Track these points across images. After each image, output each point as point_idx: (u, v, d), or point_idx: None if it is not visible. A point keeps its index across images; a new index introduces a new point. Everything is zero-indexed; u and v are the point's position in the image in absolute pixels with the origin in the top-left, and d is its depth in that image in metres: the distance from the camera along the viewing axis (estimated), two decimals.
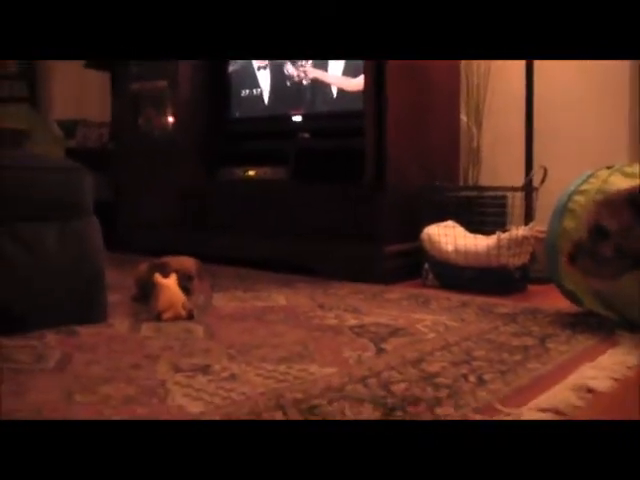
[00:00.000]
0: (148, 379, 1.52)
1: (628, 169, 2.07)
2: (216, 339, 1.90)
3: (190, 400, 1.38)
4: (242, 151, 3.52)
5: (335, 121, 3.15)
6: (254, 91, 3.47)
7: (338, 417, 1.30)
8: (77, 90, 5.01)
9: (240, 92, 3.53)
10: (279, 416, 1.30)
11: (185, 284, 2.30)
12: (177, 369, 1.60)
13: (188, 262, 2.46)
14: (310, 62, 3.22)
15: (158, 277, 2.18)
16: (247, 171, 3.40)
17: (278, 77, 3.37)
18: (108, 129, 4.44)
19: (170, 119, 3.64)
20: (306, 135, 3.24)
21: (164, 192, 3.66)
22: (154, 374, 1.56)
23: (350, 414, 1.31)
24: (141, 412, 1.32)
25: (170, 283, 2.17)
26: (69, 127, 4.57)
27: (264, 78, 3.42)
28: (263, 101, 3.44)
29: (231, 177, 3.47)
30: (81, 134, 4.59)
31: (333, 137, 3.12)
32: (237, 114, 3.57)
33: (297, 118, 3.29)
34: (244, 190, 3.39)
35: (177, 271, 2.26)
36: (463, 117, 3.37)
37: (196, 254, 2.58)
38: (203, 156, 3.58)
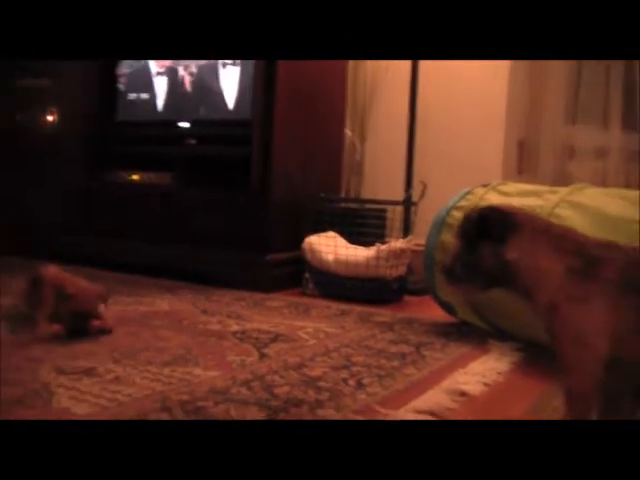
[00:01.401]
0: (32, 382, 1.50)
1: (503, 187, 2.20)
2: (100, 342, 1.89)
3: (76, 402, 1.38)
4: (129, 155, 3.47)
5: (223, 129, 3.16)
6: (144, 95, 3.43)
7: (224, 418, 1.34)
8: None
9: (130, 95, 3.49)
10: (165, 417, 1.32)
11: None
12: (61, 371, 1.59)
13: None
14: (201, 68, 3.23)
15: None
16: (131, 175, 3.36)
17: (169, 82, 3.36)
18: None
19: (54, 118, 3.56)
20: (193, 141, 3.24)
21: (46, 194, 3.56)
22: (37, 377, 1.54)
23: (235, 415, 1.35)
24: (27, 415, 1.30)
25: None
26: None
27: (156, 83, 3.40)
28: (152, 105, 3.42)
29: (116, 180, 3.42)
30: None
31: (220, 145, 3.13)
32: (126, 117, 3.52)
33: (185, 124, 3.29)
34: (130, 194, 3.35)
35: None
36: (348, 131, 3.46)
37: (78, 258, 2.53)
38: (88, 158, 3.51)
